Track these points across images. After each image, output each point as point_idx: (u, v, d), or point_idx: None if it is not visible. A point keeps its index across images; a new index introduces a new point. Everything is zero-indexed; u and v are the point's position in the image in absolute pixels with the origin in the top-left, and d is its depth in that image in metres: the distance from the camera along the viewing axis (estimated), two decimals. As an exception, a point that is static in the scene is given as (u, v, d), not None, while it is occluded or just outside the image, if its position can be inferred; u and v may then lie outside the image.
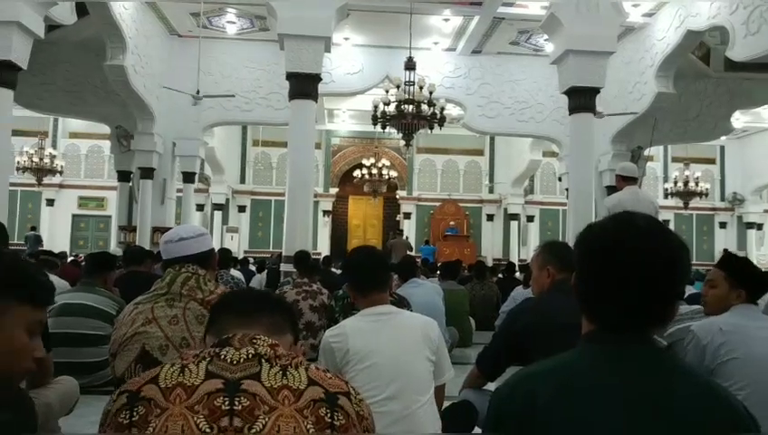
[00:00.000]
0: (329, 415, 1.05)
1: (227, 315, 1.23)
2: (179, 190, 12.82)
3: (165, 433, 1.00)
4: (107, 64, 9.76)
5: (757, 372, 2.24)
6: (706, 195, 16.87)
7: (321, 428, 1.04)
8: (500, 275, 10.40)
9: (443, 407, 2.54)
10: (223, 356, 1.08)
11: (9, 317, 1.20)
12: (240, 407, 1.01)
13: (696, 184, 16.15)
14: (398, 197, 19.94)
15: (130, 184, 12.41)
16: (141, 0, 10.21)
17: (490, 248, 19.56)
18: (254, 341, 1.12)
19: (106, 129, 12.73)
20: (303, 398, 1.05)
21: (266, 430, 1.00)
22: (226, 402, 1.01)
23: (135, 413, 1.03)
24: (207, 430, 0.99)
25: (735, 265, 2.60)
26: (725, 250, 19.01)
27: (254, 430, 1.00)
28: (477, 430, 2.64)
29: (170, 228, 2.75)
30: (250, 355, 1.09)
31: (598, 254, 1.14)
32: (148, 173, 11.60)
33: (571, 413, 1.07)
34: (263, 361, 1.09)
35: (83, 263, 6.59)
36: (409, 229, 19.75)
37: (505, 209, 19.36)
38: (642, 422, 1.05)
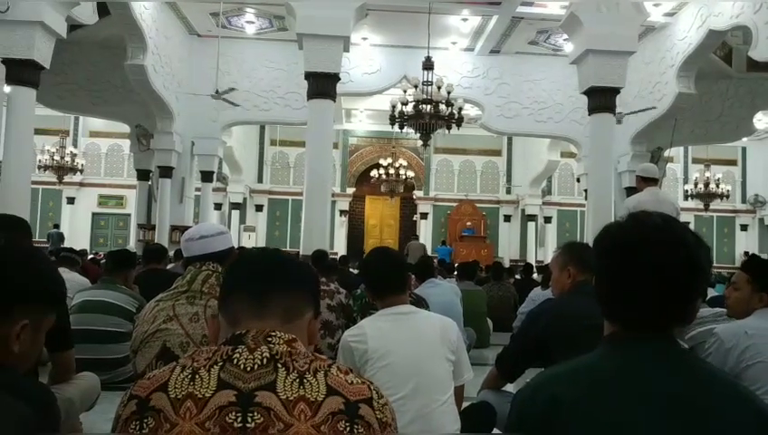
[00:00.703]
0: (348, 429, 1.00)
1: (239, 295, 1.14)
2: (198, 189, 12.90)
3: None
4: (127, 64, 9.85)
5: None
6: (727, 196, 16.68)
7: None
8: (517, 277, 10.35)
9: (462, 407, 2.53)
10: (236, 361, 1.03)
11: (45, 325, 1.26)
12: (253, 424, 0.96)
13: (717, 185, 15.98)
14: (414, 197, 19.92)
15: (149, 183, 12.51)
16: (161, 0, 10.29)
17: (507, 249, 19.47)
18: (270, 338, 1.06)
19: (126, 128, 12.85)
20: (321, 411, 0.99)
21: None
22: (239, 419, 0.97)
23: (145, 425, 0.99)
24: None
25: (759, 268, 2.56)
26: (746, 253, 18.82)
27: None
28: (496, 430, 2.63)
29: (189, 227, 2.77)
30: (265, 359, 1.03)
31: (616, 253, 1.14)
32: (166, 172, 11.69)
33: (596, 416, 1.06)
34: (278, 365, 1.03)
35: (103, 261, 6.65)
36: (426, 230, 19.72)
37: (523, 210, 19.27)
38: (673, 424, 1.04)
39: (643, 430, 1.03)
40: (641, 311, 1.11)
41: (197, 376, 1.01)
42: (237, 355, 1.03)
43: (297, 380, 1.02)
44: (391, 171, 16.39)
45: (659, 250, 1.09)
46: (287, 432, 0.96)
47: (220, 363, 1.03)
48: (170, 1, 10.59)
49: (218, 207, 17.94)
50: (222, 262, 2.31)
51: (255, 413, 0.97)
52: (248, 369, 1.01)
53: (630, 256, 1.11)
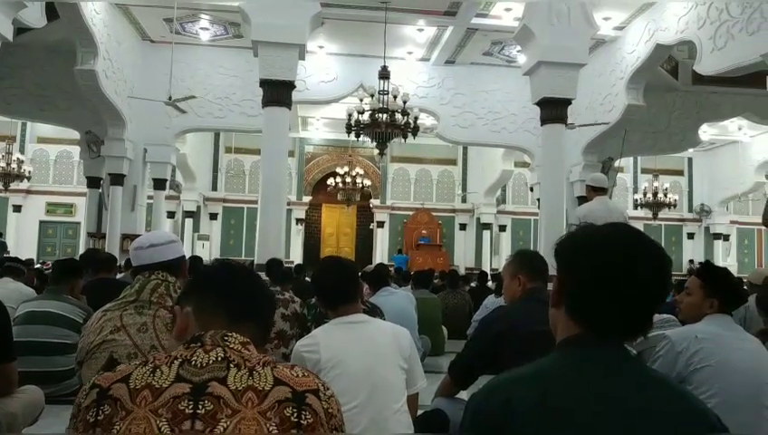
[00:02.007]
0: (295, 414, 1.05)
1: (216, 310, 1.21)
2: (150, 197, 12.67)
3: None
4: (77, 69, 9.62)
5: (730, 380, 2.27)
6: (675, 206, 17.14)
7: (287, 428, 1.04)
8: (472, 284, 10.44)
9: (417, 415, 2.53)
10: (193, 362, 1.09)
11: None
12: (203, 410, 1.02)
13: (665, 195, 16.40)
14: (371, 205, 19.94)
15: (100, 190, 12.22)
16: (112, 2, 10.10)
17: (463, 257, 19.64)
18: (226, 339, 1.13)
19: (75, 134, 12.54)
20: (268, 399, 1.05)
21: (227, 433, 1.01)
22: (190, 406, 1.03)
23: (101, 412, 1.04)
24: (168, 433, 1.01)
25: (711, 275, 2.63)
26: (691, 261, 19.34)
27: (214, 434, 1.01)
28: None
29: (140, 235, 2.71)
30: (219, 358, 1.10)
31: (606, 264, 1.13)
32: (118, 179, 11.44)
33: (550, 421, 1.06)
34: (231, 365, 1.09)
35: (49, 271, 6.47)
36: (382, 238, 19.77)
37: (478, 219, 19.47)
38: (625, 430, 1.05)
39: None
40: (613, 318, 1.12)
41: (158, 370, 1.08)
42: (196, 358, 1.10)
43: (247, 372, 1.08)
44: (348, 180, 16.38)
45: (643, 261, 1.12)
46: (234, 417, 1.02)
47: (179, 361, 1.10)
48: (122, 5, 10.41)
49: (171, 215, 17.65)
50: (172, 271, 2.27)
51: (206, 401, 1.03)
52: (203, 366, 1.09)
53: (617, 266, 1.12)
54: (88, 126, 11.68)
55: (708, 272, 2.65)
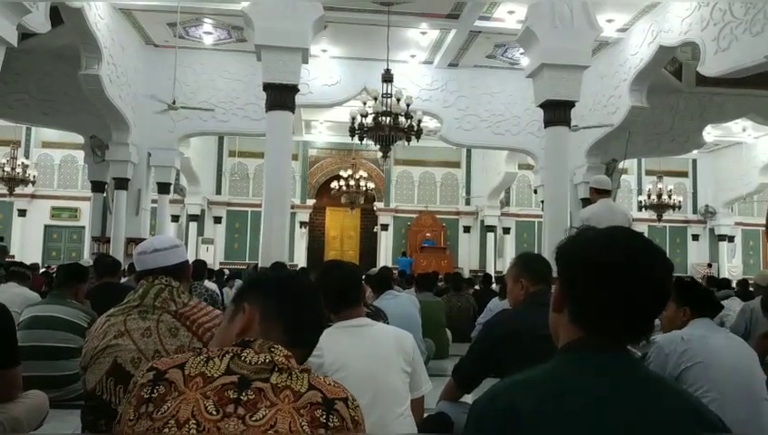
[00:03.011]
0: (324, 416, 1.16)
1: (279, 322, 1.32)
2: (154, 201, 12.70)
3: (176, 413, 1.13)
4: (82, 74, 9.65)
5: (721, 375, 2.35)
6: (679, 207, 17.10)
7: (315, 426, 1.14)
8: (476, 287, 10.42)
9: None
10: (243, 358, 1.20)
11: None
12: (246, 398, 1.14)
13: (669, 197, 16.36)
14: (375, 208, 19.94)
15: (105, 194, 12.26)
16: (116, 6, 10.14)
17: (467, 260, 19.62)
18: (273, 350, 1.23)
19: (80, 138, 12.58)
20: (302, 399, 1.17)
21: (264, 420, 1.13)
22: (235, 394, 1.15)
23: (155, 391, 1.16)
24: (214, 413, 1.12)
25: (677, 286, 2.74)
26: (710, 265, 19.26)
27: (254, 419, 1.12)
28: (453, 441, 2.64)
29: (145, 240, 2.72)
30: (267, 361, 1.21)
31: (609, 267, 1.12)
32: (122, 184, 11.47)
33: (554, 426, 1.06)
34: (275, 368, 1.20)
35: (54, 274, 6.48)
36: (386, 241, 19.76)
37: (482, 221, 19.45)
38: (629, 432, 1.04)
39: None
40: (616, 321, 1.12)
41: (211, 361, 1.20)
42: (245, 354, 1.21)
43: (287, 376, 1.20)
44: (351, 183, 16.39)
45: (652, 267, 1.12)
46: (272, 408, 1.14)
47: (230, 355, 1.21)
48: (126, 10, 10.45)
49: (175, 219, 17.68)
50: (176, 275, 2.27)
51: (249, 392, 1.15)
52: (252, 364, 1.20)
53: (624, 271, 1.11)
54: (92, 130, 11.72)
55: (675, 284, 2.74)
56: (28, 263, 7.76)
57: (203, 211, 18.82)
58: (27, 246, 17.88)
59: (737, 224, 20.40)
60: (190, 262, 2.55)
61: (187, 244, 17.59)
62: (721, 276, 15.21)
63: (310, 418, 1.15)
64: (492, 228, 19.13)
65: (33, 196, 18.24)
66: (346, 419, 1.18)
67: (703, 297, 2.71)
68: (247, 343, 1.24)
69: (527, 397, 1.10)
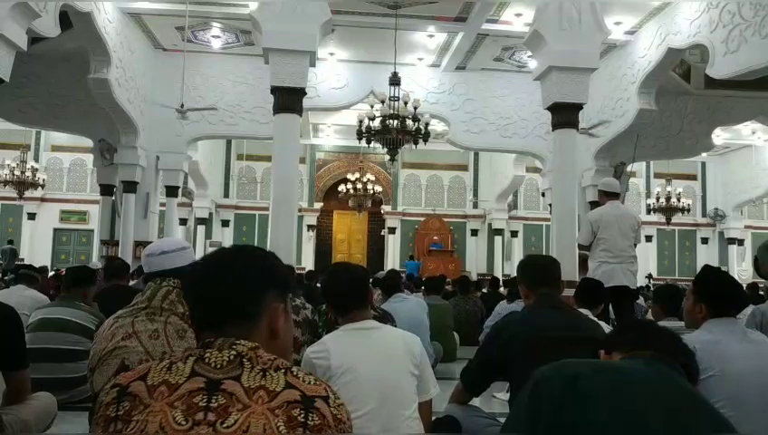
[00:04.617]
0: (302, 415, 1.09)
1: (197, 322, 1.25)
2: (162, 204, 12.74)
3: (144, 428, 1.07)
4: (90, 78, 9.70)
5: (734, 388, 2.22)
6: (688, 211, 17.02)
7: (293, 426, 1.08)
8: (484, 290, 10.41)
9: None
10: (207, 359, 1.14)
11: None
12: (216, 404, 1.08)
13: (678, 200, 16.30)
14: (382, 211, 19.95)
15: (113, 198, 12.31)
16: (125, 10, 10.19)
17: (474, 263, 19.60)
18: (235, 345, 1.16)
19: (89, 142, 12.63)
20: (278, 399, 1.10)
21: (237, 425, 1.06)
22: (204, 400, 1.08)
23: (121, 408, 1.10)
24: (183, 423, 1.06)
25: (699, 279, 2.58)
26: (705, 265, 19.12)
27: (225, 425, 1.06)
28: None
29: (152, 242, 2.72)
30: (232, 356, 1.14)
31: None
32: (131, 187, 11.51)
33: (615, 401, 1.19)
34: (244, 361, 1.14)
35: (63, 277, 6.50)
36: (394, 244, 19.76)
37: (489, 224, 19.42)
38: (674, 423, 1.18)
39: (648, 420, 1.18)
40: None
41: (174, 366, 1.14)
42: (208, 355, 1.15)
43: (260, 373, 1.13)
44: (359, 186, 16.40)
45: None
46: (244, 411, 1.07)
47: (194, 358, 1.15)
48: (135, 14, 10.49)
49: (184, 222, 17.75)
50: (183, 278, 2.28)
51: (219, 396, 1.08)
52: (218, 366, 1.13)
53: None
54: (101, 134, 11.77)
55: (698, 276, 2.61)
56: (37, 266, 7.80)
57: (211, 214, 18.88)
58: (36, 249, 17.99)
59: (747, 227, 20.29)
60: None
61: (195, 247, 17.64)
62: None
63: (286, 417, 1.08)
64: (499, 232, 19.10)
65: (42, 199, 18.35)
66: (327, 417, 1.11)
67: (719, 295, 2.46)
68: (209, 342, 1.17)
69: (594, 371, 1.25)
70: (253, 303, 1.22)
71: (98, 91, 9.92)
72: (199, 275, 1.27)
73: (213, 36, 11.35)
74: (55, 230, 18.85)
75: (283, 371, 1.15)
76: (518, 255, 18.58)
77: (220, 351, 1.15)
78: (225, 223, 19.38)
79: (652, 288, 14.27)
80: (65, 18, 8.40)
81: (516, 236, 19.53)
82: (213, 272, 1.26)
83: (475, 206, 20.06)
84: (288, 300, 1.31)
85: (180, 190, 13.34)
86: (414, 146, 10.05)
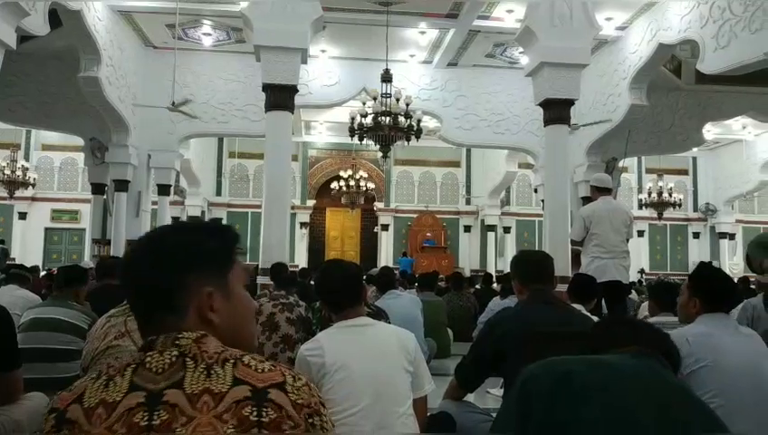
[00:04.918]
0: (255, 413, 0.98)
1: (135, 317, 1.15)
2: (154, 203, 12.69)
3: None
4: (81, 76, 9.65)
5: (729, 378, 2.25)
6: (680, 205, 17.08)
7: (246, 428, 0.97)
8: (477, 286, 10.43)
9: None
10: (148, 365, 1.03)
11: None
12: (159, 421, 0.97)
13: (670, 195, 16.35)
14: (375, 208, 19.95)
15: (105, 197, 12.25)
16: (115, 8, 10.13)
17: (467, 259, 19.62)
18: (178, 340, 1.05)
19: (80, 141, 12.57)
20: (225, 401, 0.98)
21: None
22: (145, 418, 0.97)
23: None
24: None
25: (694, 275, 2.63)
26: (701, 262, 19.19)
27: None
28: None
29: (144, 241, 2.70)
30: (174, 358, 1.03)
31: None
32: (122, 186, 11.47)
33: (606, 397, 1.20)
34: (187, 360, 1.02)
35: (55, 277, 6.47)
36: (387, 241, 19.77)
37: (482, 221, 19.45)
38: (665, 418, 1.20)
39: (639, 415, 1.19)
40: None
41: (111, 382, 1.01)
42: (149, 359, 1.03)
43: (204, 372, 1.01)
44: (351, 183, 16.39)
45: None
46: (190, 425, 0.96)
47: (133, 366, 1.03)
48: (125, 12, 10.44)
49: (176, 220, 17.67)
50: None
51: (161, 411, 0.97)
52: (159, 371, 1.01)
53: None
54: (92, 133, 11.72)
55: (694, 272, 2.65)
56: (29, 265, 7.76)
57: (203, 212, 18.82)
58: (28, 249, 17.89)
59: (738, 221, 20.38)
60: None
61: (187, 245, 17.58)
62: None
63: (236, 421, 0.96)
64: (492, 228, 19.12)
65: (33, 198, 18.25)
66: (284, 406, 1.00)
67: (713, 291, 2.52)
68: (151, 342, 1.06)
69: (585, 367, 1.26)
70: (173, 291, 1.08)
71: (88, 89, 9.87)
72: (125, 260, 1.15)
73: (204, 34, 11.30)
74: (46, 229, 18.76)
75: (231, 362, 1.03)
76: (511, 251, 18.61)
77: (161, 353, 1.03)
78: (217, 221, 19.31)
79: (644, 283, 14.34)
80: (54, 16, 8.35)
81: (509, 232, 19.56)
82: (135, 257, 1.13)
83: (468, 202, 20.09)
84: (232, 276, 1.14)
85: (172, 189, 13.30)
86: (406, 143, 10.05)
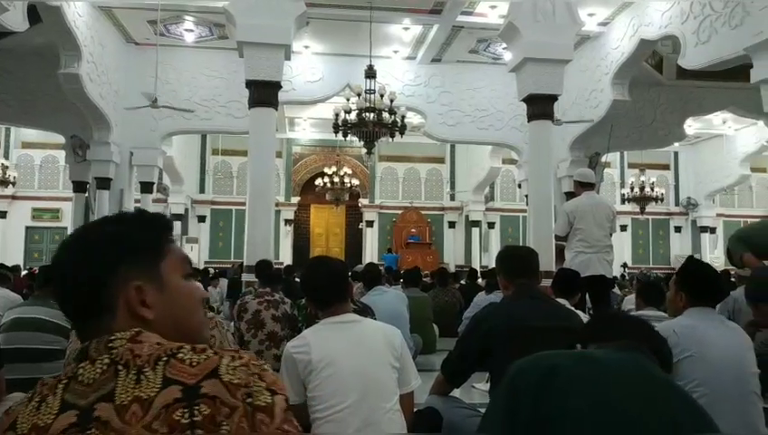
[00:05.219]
0: (187, 414, 0.88)
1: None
2: (137, 201, 12.59)
3: None
4: (61, 72, 9.53)
5: (712, 369, 2.31)
6: (662, 200, 17.24)
7: (179, 433, 0.89)
8: (462, 282, 10.46)
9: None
10: (80, 377, 0.93)
11: None
12: None
13: (652, 189, 16.49)
14: (360, 205, 19.94)
15: (86, 195, 12.13)
16: (96, 4, 10.03)
17: (452, 255, 19.68)
18: (111, 343, 0.95)
19: (60, 138, 12.44)
20: (153, 407, 0.89)
21: None
22: None
23: None
24: None
25: (681, 269, 2.67)
26: (690, 256, 19.37)
27: None
28: (442, 436, 2.64)
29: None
30: (105, 365, 0.93)
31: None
32: (104, 183, 11.37)
33: (592, 390, 1.21)
34: (119, 368, 0.93)
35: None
36: (372, 237, 19.77)
37: (467, 216, 19.51)
38: (651, 411, 1.21)
39: (625, 408, 1.21)
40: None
41: (44, 403, 0.92)
42: (81, 370, 0.94)
43: (135, 378, 0.91)
44: (336, 180, 16.36)
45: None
46: None
47: (65, 382, 0.94)
48: (106, 7, 10.33)
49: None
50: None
51: (93, 429, 0.88)
52: (89, 383, 0.92)
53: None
54: (73, 130, 11.59)
55: (681, 267, 2.69)
56: (9, 265, 7.68)
57: (187, 210, 18.71)
58: (8, 248, 17.68)
59: (719, 215, 20.61)
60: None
61: (171, 243, 17.48)
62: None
63: (167, 428, 0.88)
64: (477, 223, 19.19)
65: (13, 197, 18.05)
66: (219, 395, 0.90)
67: (699, 285, 2.57)
68: (84, 350, 0.97)
69: (571, 362, 1.28)
70: (100, 289, 0.99)
71: (69, 86, 9.75)
72: (52, 261, 1.04)
73: (186, 30, 11.22)
74: (27, 228, 18.55)
75: (164, 361, 0.92)
76: (495, 246, 18.69)
77: (93, 362, 0.94)
78: (201, 218, 19.23)
79: (627, 277, 14.46)
80: (34, 12, 8.25)
81: (493, 227, 19.64)
82: (59, 257, 1.03)
83: (453, 198, 20.13)
84: (165, 267, 1.05)
85: (155, 186, 13.20)
86: (390, 139, 10.05)
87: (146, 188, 12.63)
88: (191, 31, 11.25)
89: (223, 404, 0.89)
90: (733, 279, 7.66)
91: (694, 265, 2.68)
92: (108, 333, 0.97)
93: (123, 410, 0.88)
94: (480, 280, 10.28)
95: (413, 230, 19.57)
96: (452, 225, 20.13)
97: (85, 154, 11.50)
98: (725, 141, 18.05)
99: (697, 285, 2.57)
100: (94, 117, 10.77)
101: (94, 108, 10.41)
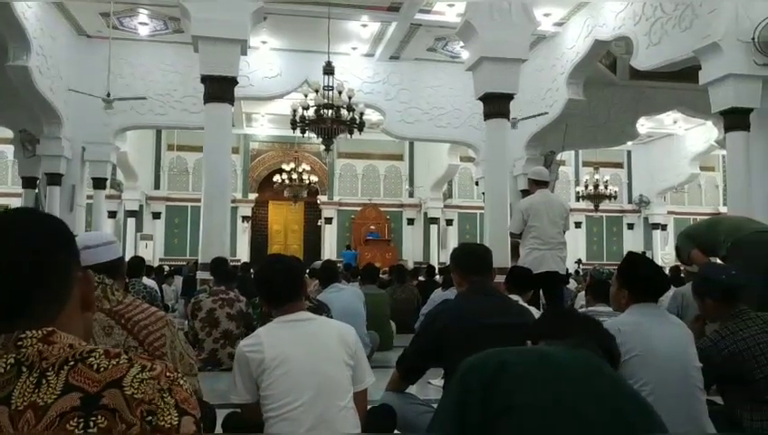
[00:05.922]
0: (82, 425, 0.83)
1: None
2: (90, 197, 12.31)
3: None
4: (9, 65, 9.25)
5: (658, 367, 2.32)
6: (615, 197, 17.61)
7: None
8: (420, 278, 10.52)
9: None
10: None
11: None
12: None
13: (606, 187, 16.83)
14: (318, 202, 19.87)
15: (36, 191, 11.80)
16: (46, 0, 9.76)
17: (411, 252, 19.75)
18: (20, 341, 0.88)
19: (9, 132, 12.07)
20: (48, 415, 0.83)
21: None
22: None
23: None
24: None
25: (621, 266, 2.66)
26: (629, 252, 19.81)
27: None
28: (397, 432, 2.65)
29: (77, 237, 2.62)
30: (9, 365, 0.86)
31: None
32: (55, 179, 11.08)
33: (540, 385, 1.24)
34: (23, 369, 0.86)
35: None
36: (331, 234, 19.72)
37: (425, 213, 19.61)
38: (599, 407, 1.24)
39: (574, 404, 1.24)
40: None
41: None
42: None
43: (35, 381, 0.85)
44: (294, 176, 16.26)
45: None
46: None
47: None
48: (56, 0, 10.06)
49: (113, 215, 17.20)
50: (110, 273, 2.21)
51: None
52: None
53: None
54: (22, 124, 11.25)
55: (621, 263, 2.69)
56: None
57: (141, 207, 18.37)
58: (-46, 246, 17.07)
59: (669, 213, 21.13)
60: (125, 258, 2.48)
61: (125, 240, 17.17)
62: (655, 264, 15.72)
63: None
64: (435, 220, 19.31)
65: (-41, 193, 17.45)
66: (118, 408, 0.84)
67: (638, 282, 2.54)
68: None
69: (519, 357, 1.31)
70: (61, 275, 0.95)
71: (17, 79, 9.48)
72: None
73: (140, 23, 11.00)
74: (-26, 225, 17.94)
75: (70, 364, 0.87)
76: (453, 243, 18.80)
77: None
78: (156, 215, 18.89)
79: (581, 273, 14.73)
80: (-20, 2, 7.99)
81: (451, 224, 19.78)
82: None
83: (411, 195, 20.20)
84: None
85: (108, 182, 12.92)
86: (349, 136, 10.03)
87: (99, 184, 12.34)
88: (145, 24, 11.04)
89: (121, 419, 0.84)
90: (682, 275, 7.88)
91: (633, 261, 2.67)
92: (53, 318, 0.92)
93: (17, 416, 0.83)
94: (438, 276, 10.35)
95: (372, 227, 19.58)
96: (411, 222, 20.21)
97: (35, 149, 11.18)
98: (676, 141, 18.53)
99: (638, 281, 2.55)
100: (44, 111, 10.49)
101: (44, 101, 10.14)
